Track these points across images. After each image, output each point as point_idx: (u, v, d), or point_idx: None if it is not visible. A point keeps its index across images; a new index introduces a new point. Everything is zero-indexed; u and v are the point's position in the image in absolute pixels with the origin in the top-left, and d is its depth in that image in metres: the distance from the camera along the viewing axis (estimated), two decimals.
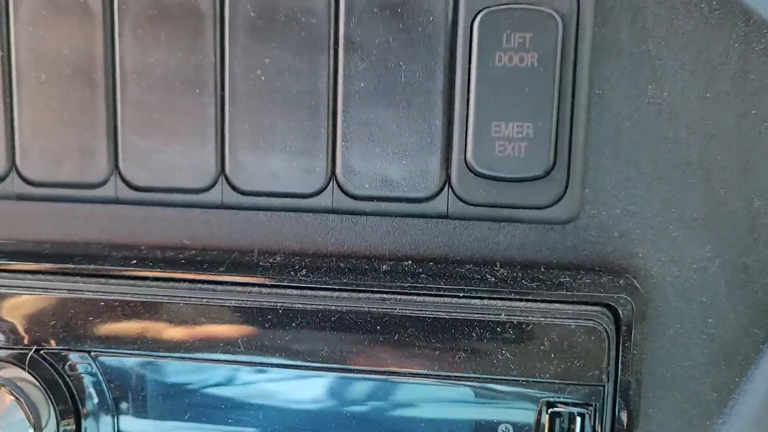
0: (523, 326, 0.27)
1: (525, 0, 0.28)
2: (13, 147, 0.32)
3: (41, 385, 0.29)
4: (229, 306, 0.29)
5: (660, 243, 0.30)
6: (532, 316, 0.27)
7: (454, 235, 0.30)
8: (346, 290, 0.28)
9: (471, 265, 0.30)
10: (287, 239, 0.31)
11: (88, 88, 0.31)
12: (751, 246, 0.29)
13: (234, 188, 0.31)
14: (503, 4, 0.28)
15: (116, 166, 0.31)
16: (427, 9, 0.28)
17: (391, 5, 0.29)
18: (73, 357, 0.30)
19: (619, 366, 0.27)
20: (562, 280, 0.28)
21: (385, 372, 0.28)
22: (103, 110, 0.31)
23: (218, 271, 0.29)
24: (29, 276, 0.30)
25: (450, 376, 0.28)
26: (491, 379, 0.27)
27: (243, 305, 0.29)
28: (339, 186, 0.30)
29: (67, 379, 0.30)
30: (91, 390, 0.30)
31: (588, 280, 0.28)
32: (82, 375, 0.30)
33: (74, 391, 0.30)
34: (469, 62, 0.28)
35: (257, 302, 0.28)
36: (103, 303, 0.29)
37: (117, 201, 0.32)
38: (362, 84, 0.29)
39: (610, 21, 0.28)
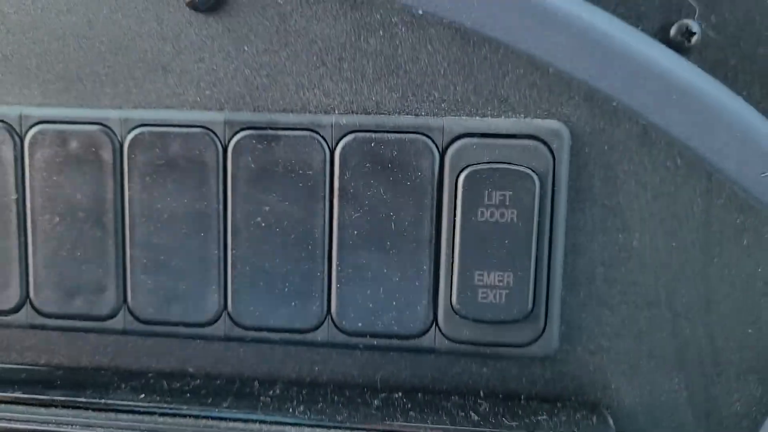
0: None
1: (505, 159, 0.30)
2: (27, 281, 0.34)
3: None
4: None
5: (632, 376, 0.32)
6: None
7: (441, 368, 0.33)
8: (341, 428, 0.30)
9: (456, 397, 0.32)
10: (286, 370, 0.33)
11: (99, 229, 0.33)
12: (715, 379, 0.32)
13: (235, 323, 0.33)
14: (485, 163, 0.30)
15: (124, 300, 0.33)
16: (415, 165, 0.31)
17: (382, 161, 0.31)
18: None
19: None
20: (540, 418, 0.30)
21: None
22: (113, 250, 0.33)
23: (222, 405, 0.31)
24: (42, 409, 0.32)
25: None
26: None
27: None
28: (334, 323, 0.32)
29: None
30: None
31: (564, 417, 0.30)
32: None
33: None
34: (454, 215, 0.31)
35: None
36: None
37: (125, 332, 0.34)
38: (355, 231, 0.31)
39: (583, 176, 0.31)
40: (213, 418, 0.31)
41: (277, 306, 0.32)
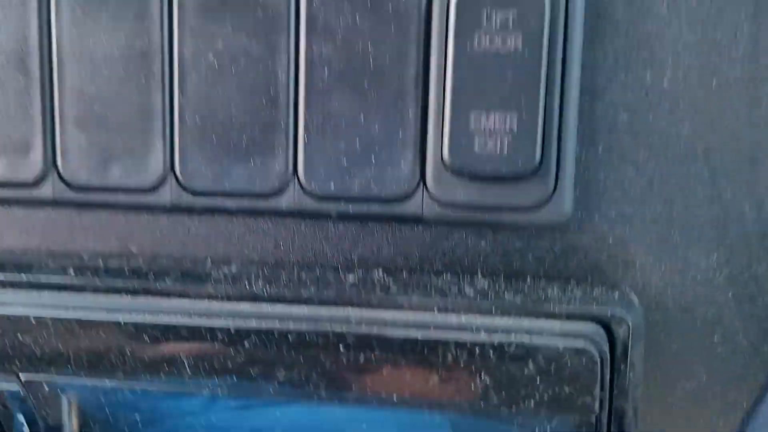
0: (505, 347, 0.24)
1: None
2: None
3: None
4: (176, 324, 0.26)
5: (660, 250, 0.26)
6: (515, 335, 0.24)
7: (430, 240, 0.27)
8: (307, 304, 0.25)
9: (448, 275, 0.27)
10: (243, 246, 0.28)
11: (22, 76, 0.27)
12: (761, 255, 0.26)
13: (184, 188, 0.27)
14: None
15: (53, 163, 0.28)
16: None
17: None
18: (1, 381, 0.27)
19: (614, 392, 0.24)
20: (548, 293, 0.25)
21: (350, 399, 0.25)
22: (38, 100, 0.28)
23: (165, 282, 0.26)
24: None
25: (423, 404, 0.24)
26: (469, 408, 0.24)
27: (192, 324, 0.25)
28: (300, 184, 0.27)
29: None
30: (21, 418, 0.27)
31: (578, 293, 0.25)
32: (10, 401, 0.27)
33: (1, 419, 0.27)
34: (446, 45, 0.25)
35: (207, 319, 0.25)
36: (35, 319, 0.26)
37: (54, 202, 0.28)
38: (326, 70, 0.26)
39: None
40: (153, 293, 0.26)
41: (233, 165, 0.27)
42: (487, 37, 0.25)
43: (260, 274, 0.27)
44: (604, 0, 0.25)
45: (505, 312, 0.24)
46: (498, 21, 0.25)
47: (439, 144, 0.26)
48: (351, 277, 0.26)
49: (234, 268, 0.27)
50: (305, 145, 0.26)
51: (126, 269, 0.27)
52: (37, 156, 0.28)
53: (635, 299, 0.26)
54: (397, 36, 0.26)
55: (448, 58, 0.25)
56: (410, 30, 0.25)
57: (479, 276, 0.27)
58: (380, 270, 0.27)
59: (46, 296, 0.26)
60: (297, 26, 0.26)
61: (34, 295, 0.27)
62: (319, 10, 0.26)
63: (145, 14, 0.26)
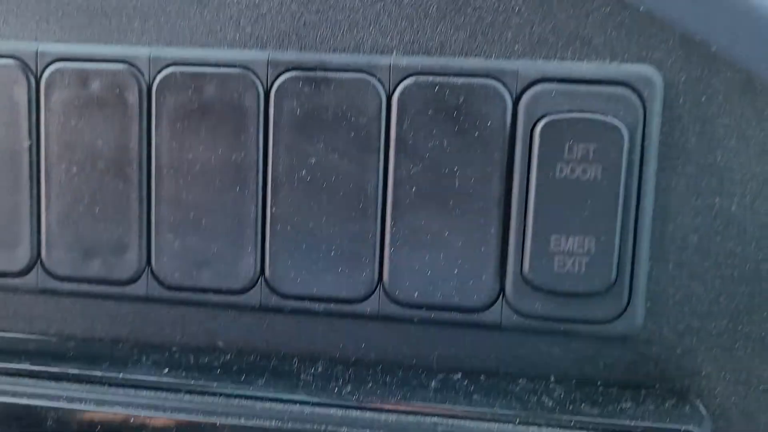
0: None
1: (589, 108, 0.27)
2: (39, 239, 0.30)
3: None
4: (268, 425, 0.27)
5: (725, 362, 0.28)
6: None
7: (507, 347, 0.29)
8: (395, 411, 0.26)
9: (525, 381, 0.28)
10: (329, 346, 0.30)
11: (122, 181, 0.29)
12: None
13: (273, 291, 0.29)
14: (565, 112, 0.27)
15: (148, 262, 0.29)
16: (484, 113, 0.27)
17: (446, 108, 0.27)
18: None
19: None
20: (623, 405, 0.26)
21: None
22: (136, 205, 0.29)
23: (257, 383, 0.28)
24: (53, 383, 0.28)
25: None
26: None
27: (283, 426, 0.27)
28: (386, 292, 0.28)
29: None
30: None
31: (652, 406, 0.26)
32: None
33: None
34: (528, 171, 0.27)
35: (299, 422, 0.27)
36: (133, 419, 0.27)
37: (147, 299, 0.30)
38: (413, 188, 0.28)
39: (677, 130, 0.27)
40: (247, 398, 0.27)
41: (322, 272, 0.28)
42: (569, 166, 0.27)
43: (346, 377, 0.28)
44: (677, 132, 0.27)
45: (583, 427, 0.26)
46: (579, 152, 0.26)
47: (519, 261, 0.27)
48: (434, 383, 0.28)
49: (320, 369, 0.29)
50: (391, 256, 0.28)
51: (217, 367, 0.29)
52: (132, 257, 0.29)
53: (703, 410, 0.27)
54: (481, 159, 0.27)
55: (531, 183, 0.27)
56: (494, 154, 0.27)
57: (553, 383, 0.28)
58: (459, 374, 0.29)
59: (143, 395, 0.28)
60: (387, 146, 0.28)
61: (130, 393, 0.28)
62: (408, 133, 0.28)
63: (242, 129, 0.28)
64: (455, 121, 0.27)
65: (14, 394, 0.28)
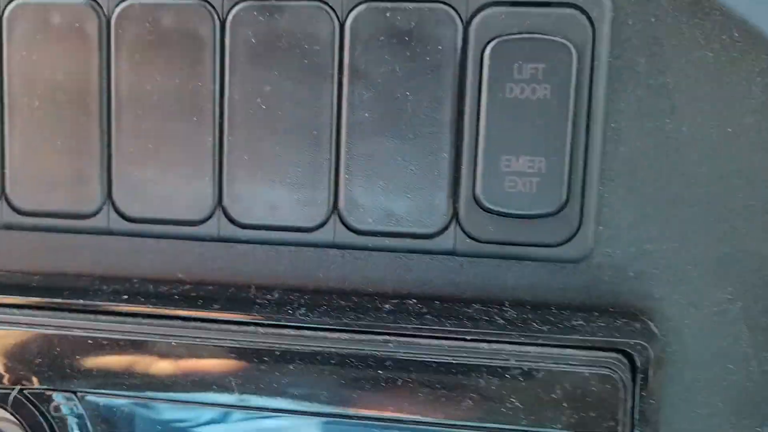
0: (534, 373, 0.26)
1: (538, 29, 0.27)
2: (2, 175, 0.30)
3: (24, 426, 0.28)
4: (223, 346, 0.27)
5: (677, 284, 0.28)
6: (543, 362, 0.26)
7: (461, 272, 0.29)
8: (348, 331, 0.27)
9: (478, 305, 0.28)
10: (286, 274, 0.30)
11: (83, 114, 0.30)
12: None
13: (231, 221, 0.29)
14: (515, 34, 0.27)
15: (109, 195, 0.30)
16: (435, 37, 0.27)
17: (398, 33, 0.27)
18: (58, 397, 0.28)
19: (635, 416, 0.26)
20: (574, 323, 0.27)
21: (386, 419, 0.27)
22: (97, 138, 0.30)
23: (213, 308, 0.28)
24: (15, 310, 0.29)
25: (455, 424, 0.26)
26: (499, 429, 0.26)
27: (238, 345, 0.27)
28: (341, 220, 0.29)
29: (52, 420, 0.28)
30: (76, 431, 0.29)
31: (602, 324, 0.27)
32: (67, 416, 0.28)
33: None
34: (479, 93, 0.27)
35: (253, 342, 0.27)
36: (91, 340, 0.28)
37: (109, 232, 0.30)
38: (367, 114, 0.28)
39: (626, 52, 0.27)
40: (203, 321, 0.28)
41: (277, 201, 0.29)
42: (518, 86, 0.27)
43: (301, 302, 0.29)
44: (627, 53, 0.27)
45: (534, 341, 0.26)
46: (528, 72, 0.27)
47: (472, 184, 0.28)
48: (387, 306, 0.28)
49: (276, 295, 0.29)
50: (346, 183, 0.28)
51: (175, 294, 0.29)
52: (94, 189, 0.30)
53: (655, 329, 0.27)
54: (433, 83, 0.28)
55: (482, 105, 0.27)
56: (446, 78, 0.27)
57: (507, 306, 0.28)
58: (414, 300, 0.29)
59: (103, 320, 0.28)
60: (340, 73, 0.28)
61: (91, 318, 0.29)
62: (361, 59, 0.28)
63: (199, 59, 0.29)
64: (407, 46, 0.28)
65: None
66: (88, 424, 0.28)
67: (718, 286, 0.28)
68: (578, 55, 0.27)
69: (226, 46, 0.28)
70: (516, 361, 0.26)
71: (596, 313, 0.28)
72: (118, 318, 0.28)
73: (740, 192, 0.28)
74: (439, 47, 0.27)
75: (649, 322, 0.28)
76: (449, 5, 0.27)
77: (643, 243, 0.28)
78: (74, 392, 0.28)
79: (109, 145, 0.30)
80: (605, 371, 0.25)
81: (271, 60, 0.28)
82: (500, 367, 0.26)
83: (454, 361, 0.26)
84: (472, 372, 0.26)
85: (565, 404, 0.25)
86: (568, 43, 0.27)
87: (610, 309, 0.28)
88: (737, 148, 0.27)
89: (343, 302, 0.28)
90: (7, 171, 0.30)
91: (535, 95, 0.27)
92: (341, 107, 0.28)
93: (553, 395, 0.25)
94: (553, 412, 0.25)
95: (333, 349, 0.27)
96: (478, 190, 0.27)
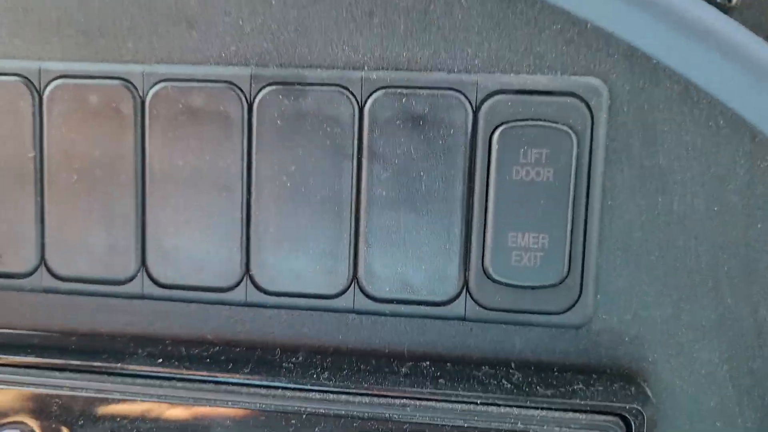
0: None
1: (541, 116, 0.29)
2: (42, 244, 0.33)
3: None
4: (252, 407, 0.30)
5: (670, 348, 0.31)
6: (548, 426, 0.28)
7: (471, 336, 0.31)
8: (368, 395, 0.29)
9: (487, 367, 0.31)
10: (309, 338, 0.32)
11: (118, 188, 0.32)
12: (757, 352, 0.30)
13: (258, 288, 0.32)
14: (521, 120, 0.29)
15: (143, 263, 0.32)
16: (447, 121, 0.30)
17: (413, 117, 0.30)
18: None
19: None
20: (575, 387, 0.29)
21: None
22: (132, 210, 0.32)
23: (243, 371, 0.30)
24: (57, 374, 0.31)
25: None
26: None
27: (266, 408, 0.29)
28: (360, 288, 0.31)
29: None
30: None
31: (600, 388, 0.29)
32: None
33: None
34: (488, 174, 0.30)
35: (280, 405, 0.29)
36: (128, 406, 0.30)
37: (143, 297, 0.32)
38: (384, 191, 0.30)
39: (622, 136, 0.30)
40: (233, 384, 0.30)
41: (301, 270, 0.31)
42: (524, 169, 0.29)
43: (324, 365, 0.31)
44: (622, 137, 0.30)
45: (538, 405, 0.28)
46: (533, 156, 0.29)
47: (481, 257, 0.30)
48: (404, 369, 0.30)
49: (300, 357, 0.32)
50: (365, 254, 0.31)
51: (206, 357, 0.31)
52: (129, 258, 0.32)
53: (649, 392, 0.30)
54: (445, 164, 0.30)
55: (491, 185, 0.30)
56: (457, 159, 0.30)
57: (513, 369, 0.31)
58: (427, 362, 0.31)
59: (138, 383, 0.31)
60: (359, 153, 0.30)
61: (127, 382, 0.31)
62: (379, 140, 0.30)
63: (228, 138, 0.31)
64: (421, 130, 0.30)
65: (20, 384, 0.31)
66: None
67: (707, 350, 0.31)
68: (578, 139, 0.29)
69: (253, 126, 0.31)
70: (522, 425, 0.28)
71: (595, 376, 0.30)
72: (153, 381, 0.30)
73: (726, 263, 0.30)
74: (451, 131, 0.30)
75: (644, 385, 0.30)
76: (461, 92, 0.30)
77: (639, 310, 0.31)
78: None
79: (143, 217, 0.32)
80: None
81: (295, 140, 0.31)
82: (509, 431, 0.28)
83: (466, 425, 0.28)
84: None
85: None
86: (569, 130, 0.29)
87: (608, 371, 0.31)
88: (724, 224, 0.30)
89: (362, 366, 0.31)
90: (47, 239, 0.32)
91: (539, 177, 0.29)
92: (360, 184, 0.30)
93: None
94: None
95: (356, 413, 0.29)
96: (487, 263, 0.30)
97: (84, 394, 0.30)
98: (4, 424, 0.30)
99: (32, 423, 0.30)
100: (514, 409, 0.28)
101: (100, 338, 0.33)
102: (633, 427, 0.28)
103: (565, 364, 0.31)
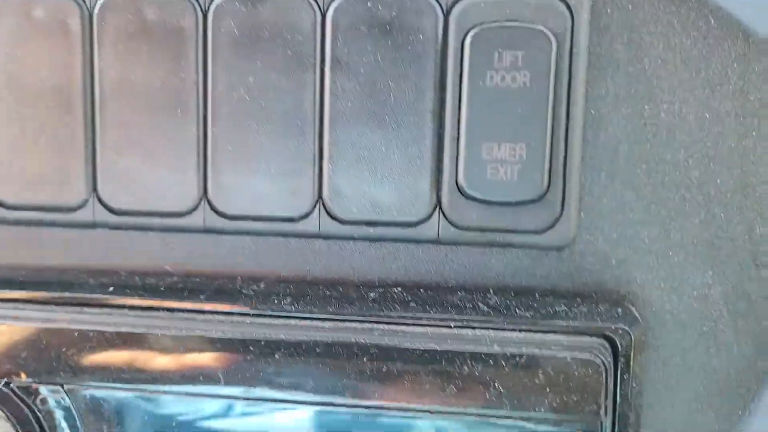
0: (517, 358, 0.26)
1: (517, 17, 0.27)
2: None
3: (11, 420, 0.28)
4: (210, 336, 0.27)
5: (659, 270, 0.28)
6: (526, 348, 0.26)
7: (446, 260, 0.29)
8: (333, 320, 0.27)
9: (463, 292, 0.29)
10: (272, 265, 0.30)
11: (65, 108, 0.30)
12: (753, 273, 0.28)
13: (216, 212, 0.29)
14: (495, 22, 0.27)
15: (94, 188, 0.30)
16: (416, 27, 0.28)
17: (380, 23, 0.28)
18: (45, 391, 0.28)
19: (617, 400, 0.26)
20: (557, 308, 0.27)
21: (372, 406, 0.27)
22: (81, 131, 0.30)
23: (200, 299, 0.28)
24: (0, 304, 0.29)
25: (440, 410, 0.26)
26: (483, 414, 0.26)
27: (225, 336, 0.27)
28: (326, 210, 0.29)
29: (39, 414, 0.28)
30: (64, 426, 0.29)
31: (584, 309, 0.27)
32: (54, 410, 0.28)
33: (46, 428, 0.28)
34: (460, 81, 0.27)
35: (240, 333, 0.27)
36: (77, 333, 0.28)
37: (95, 225, 0.30)
38: (349, 104, 0.28)
39: (605, 39, 0.28)
40: (190, 311, 0.28)
41: (262, 192, 0.29)
42: (499, 74, 0.27)
43: (287, 291, 0.29)
44: (605, 41, 0.28)
45: (517, 327, 0.26)
46: (508, 60, 0.27)
47: (454, 172, 0.28)
48: (372, 295, 0.28)
49: (263, 285, 0.29)
50: (329, 172, 0.28)
51: (162, 286, 0.29)
52: (79, 182, 0.30)
53: (637, 315, 0.28)
54: (415, 72, 0.28)
55: (463, 94, 0.27)
56: (427, 67, 0.28)
57: (491, 293, 0.29)
58: (399, 288, 0.29)
59: (89, 312, 0.28)
60: (322, 63, 0.28)
61: (77, 311, 0.29)
62: (343, 49, 0.28)
63: (182, 51, 0.29)
64: (388, 36, 0.28)
65: None
66: (76, 416, 0.28)
67: (698, 271, 0.28)
68: (558, 42, 0.27)
69: (208, 38, 0.29)
70: (499, 347, 0.26)
71: (579, 299, 0.28)
72: (104, 311, 0.28)
73: (719, 177, 0.28)
74: (420, 36, 0.28)
75: (631, 308, 0.28)
76: None
77: (625, 229, 0.28)
78: (61, 385, 0.28)
79: (93, 139, 0.30)
80: (587, 355, 0.25)
81: (253, 51, 0.28)
82: (484, 354, 0.26)
83: (438, 348, 0.26)
84: (456, 359, 0.26)
85: (547, 388, 0.26)
86: (547, 31, 0.27)
87: (593, 295, 0.29)
88: (715, 134, 0.28)
89: (328, 292, 0.28)
90: None
91: (515, 83, 0.27)
92: (324, 97, 0.28)
93: (537, 380, 0.26)
94: (536, 396, 0.26)
95: (319, 338, 0.27)
96: (461, 178, 0.28)
97: (31, 324, 0.28)
98: None
99: None
100: (490, 331, 0.26)
101: (49, 270, 0.31)
102: (620, 349, 0.26)
103: (547, 289, 0.29)
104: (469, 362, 0.26)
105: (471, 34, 0.27)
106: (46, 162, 0.30)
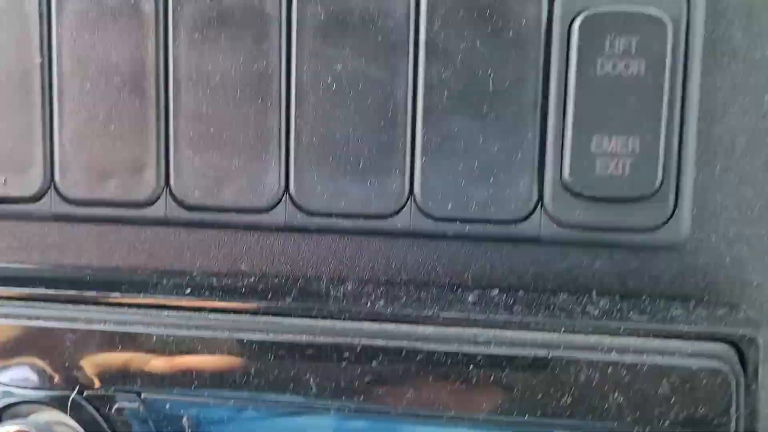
0: (637, 367, 0.24)
1: (628, 0, 0.25)
2: (52, 162, 0.29)
3: (84, 430, 0.26)
4: (299, 342, 0.26)
5: None
6: (646, 356, 0.24)
7: (546, 261, 0.27)
8: (433, 323, 0.25)
9: (566, 295, 0.27)
10: (358, 265, 0.28)
11: (137, 97, 0.28)
12: None
13: (299, 208, 0.27)
14: (605, 5, 0.25)
15: (167, 183, 0.28)
16: (519, 11, 0.26)
17: (479, 7, 0.26)
18: (121, 399, 0.26)
19: (746, 413, 0.24)
20: (673, 312, 0.25)
21: (481, 417, 0.25)
22: (153, 121, 0.28)
23: (285, 302, 0.26)
24: (70, 307, 0.27)
25: (555, 423, 0.24)
26: (602, 427, 0.24)
27: (316, 342, 0.25)
28: (418, 206, 0.27)
29: (114, 424, 0.26)
30: None
31: (703, 313, 0.25)
32: (130, 420, 0.27)
33: None
34: (566, 70, 0.26)
35: (332, 339, 0.25)
36: (155, 338, 0.26)
37: (167, 222, 0.29)
38: (445, 93, 0.26)
39: (722, 24, 0.26)
40: (274, 314, 0.26)
41: (349, 186, 0.27)
42: (610, 62, 0.25)
43: (377, 293, 0.27)
44: (722, 26, 0.26)
45: (633, 332, 0.24)
46: (620, 47, 0.25)
47: (559, 166, 0.26)
48: (471, 297, 0.26)
49: (349, 287, 0.28)
50: (422, 166, 0.27)
51: (243, 288, 0.27)
52: (150, 176, 0.28)
53: (761, 319, 0.26)
54: (517, 60, 0.26)
55: (570, 82, 0.25)
56: (530, 54, 0.26)
57: (595, 295, 0.27)
58: (496, 290, 0.27)
59: (166, 316, 0.27)
60: (416, 49, 0.26)
61: (154, 314, 0.27)
62: (439, 35, 0.26)
63: (264, 37, 0.27)
64: (488, 21, 0.26)
65: (28, 317, 0.27)
66: (152, 426, 0.26)
67: None
68: (674, 27, 0.25)
69: (293, 22, 0.27)
70: (617, 354, 0.24)
71: (693, 302, 0.26)
72: (182, 314, 0.26)
73: None
74: (523, 21, 0.26)
75: (750, 311, 0.26)
76: None
77: (742, 227, 0.26)
78: (138, 393, 0.26)
79: (166, 130, 0.28)
80: (715, 363, 0.23)
81: (341, 36, 0.27)
82: (601, 361, 0.24)
83: (548, 355, 0.24)
84: (570, 366, 0.24)
85: (672, 400, 0.23)
86: (662, 14, 0.25)
87: (705, 298, 0.27)
88: None
89: (422, 294, 0.27)
90: (56, 158, 0.29)
91: (628, 71, 0.25)
92: (417, 87, 0.26)
93: (660, 390, 0.24)
94: (659, 408, 0.24)
95: (419, 345, 0.25)
96: (566, 174, 0.26)
97: (102, 327, 0.26)
98: (10, 365, 0.27)
99: (41, 362, 0.27)
100: (606, 337, 0.24)
101: (118, 272, 0.29)
102: (746, 356, 0.24)
103: (656, 292, 0.27)
104: (586, 371, 0.24)
105: (580, 18, 0.25)
106: (115, 155, 0.28)
